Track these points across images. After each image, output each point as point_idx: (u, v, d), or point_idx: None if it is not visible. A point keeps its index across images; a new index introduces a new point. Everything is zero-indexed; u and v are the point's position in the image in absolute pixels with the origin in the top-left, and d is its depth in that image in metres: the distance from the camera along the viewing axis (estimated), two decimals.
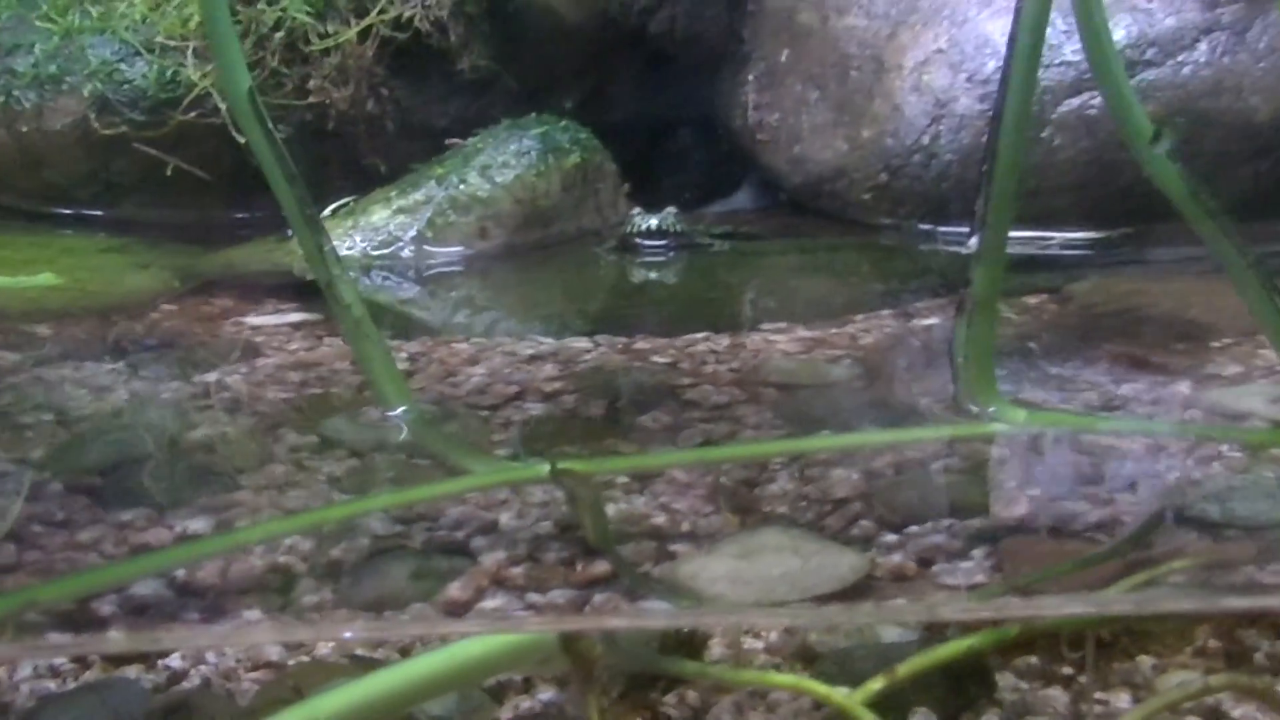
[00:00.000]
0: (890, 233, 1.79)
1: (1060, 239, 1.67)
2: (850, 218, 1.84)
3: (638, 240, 1.76)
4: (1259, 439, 1.00)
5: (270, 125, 1.02)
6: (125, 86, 1.90)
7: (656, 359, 1.27)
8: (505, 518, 0.92)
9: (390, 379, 1.06)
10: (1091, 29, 0.95)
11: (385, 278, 1.69)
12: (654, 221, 1.74)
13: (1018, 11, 0.92)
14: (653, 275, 1.72)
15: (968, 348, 0.99)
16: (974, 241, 0.97)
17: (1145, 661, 0.87)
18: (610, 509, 0.92)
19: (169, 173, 1.91)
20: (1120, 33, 1.65)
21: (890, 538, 0.87)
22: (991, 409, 0.99)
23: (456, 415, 1.13)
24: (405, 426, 1.05)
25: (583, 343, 1.33)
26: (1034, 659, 0.85)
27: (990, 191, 0.95)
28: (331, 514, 0.92)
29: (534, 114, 1.89)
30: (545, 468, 0.93)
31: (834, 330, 1.34)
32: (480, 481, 0.95)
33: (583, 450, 1.05)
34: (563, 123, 1.86)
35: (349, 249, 1.71)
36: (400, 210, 1.74)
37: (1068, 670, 0.85)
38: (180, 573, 0.84)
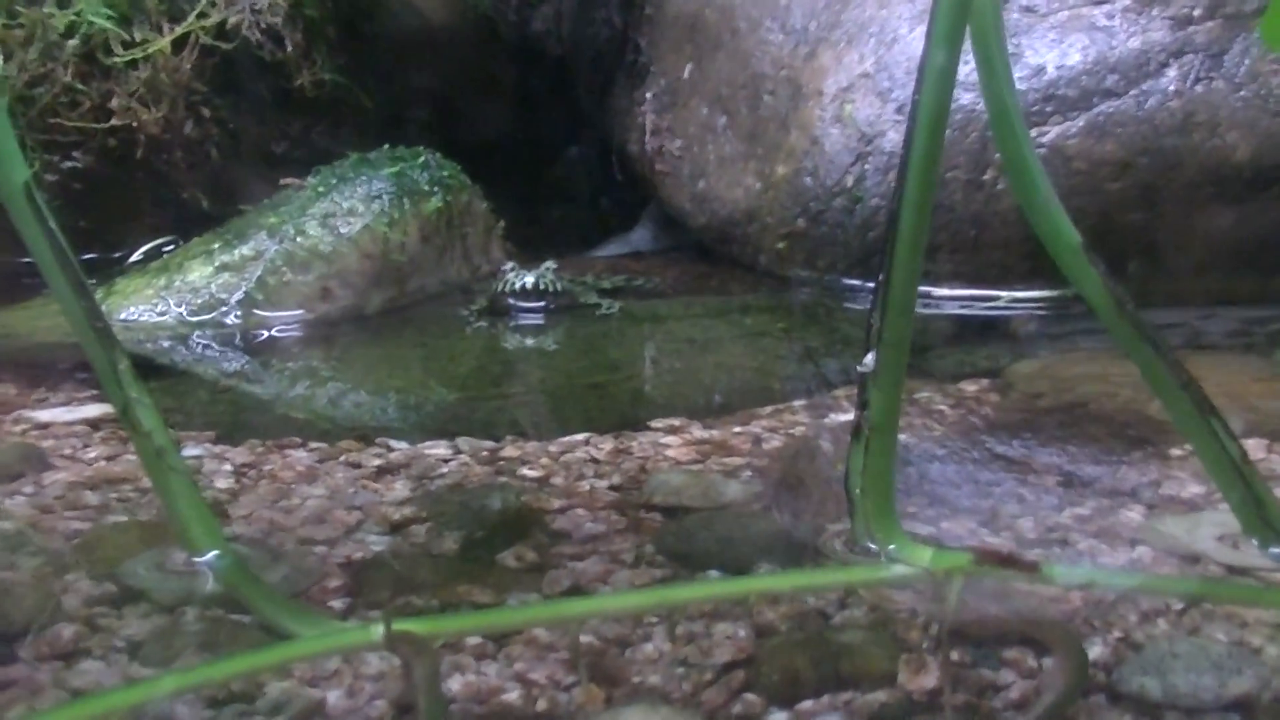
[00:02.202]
0: (809, 288, 1.85)
1: (1007, 297, 1.74)
2: (764, 268, 1.90)
3: (511, 301, 1.81)
4: (1208, 592, 1.05)
5: (53, 225, 1.05)
6: None
7: (526, 471, 1.32)
8: (334, 696, 0.96)
9: (198, 519, 1.09)
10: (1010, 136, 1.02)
11: (206, 348, 1.72)
12: (529, 279, 1.79)
13: (912, 119, 0.98)
14: (529, 344, 1.76)
15: (865, 479, 1.04)
16: (869, 359, 1.02)
17: None
18: (457, 681, 0.97)
19: None
20: (1076, 57, 1.73)
21: (779, 717, 0.93)
22: (892, 547, 1.04)
23: (283, 556, 1.17)
24: (213, 576, 1.09)
25: (441, 449, 1.38)
26: None
27: (887, 303, 1.01)
28: (127, 697, 0.95)
29: (387, 145, 1.92)
30: (379, 630, 0.97)
31: (736, 429, 1.40)
32: (303, 650, 1.00)
33: (430, 601, 1.09)
34: (421, 158, 1.90)
35: (161, 313, 1.74)
36: (224, 267, 1.76)
37: None
38: None
